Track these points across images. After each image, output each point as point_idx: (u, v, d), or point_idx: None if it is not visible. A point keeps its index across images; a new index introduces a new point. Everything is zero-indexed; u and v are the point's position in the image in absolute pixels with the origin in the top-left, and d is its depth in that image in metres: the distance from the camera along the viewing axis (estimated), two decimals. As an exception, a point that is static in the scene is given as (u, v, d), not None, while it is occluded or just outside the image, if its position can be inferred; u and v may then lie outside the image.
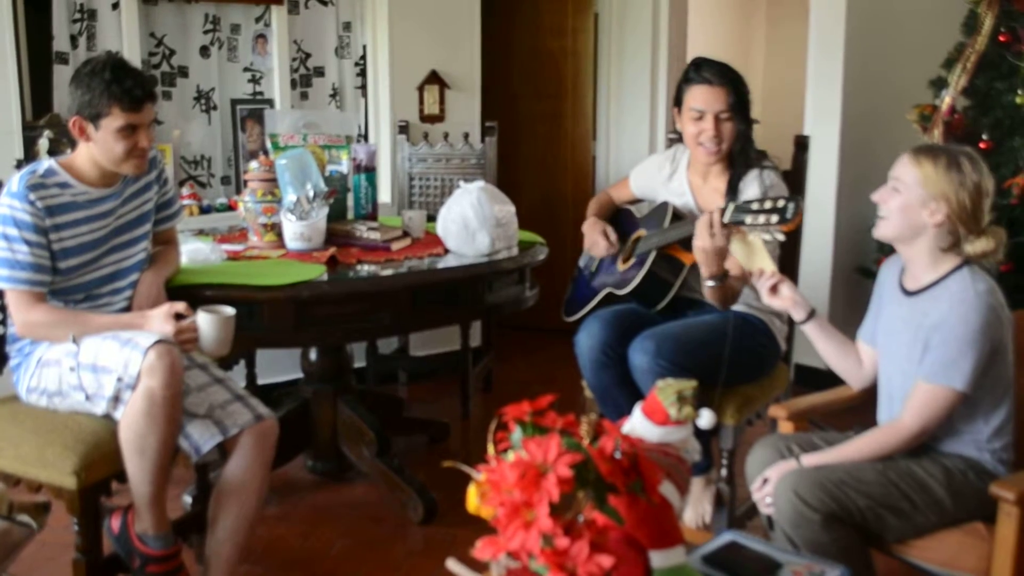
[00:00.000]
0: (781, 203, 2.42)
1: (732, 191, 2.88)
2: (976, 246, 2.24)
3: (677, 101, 2.97)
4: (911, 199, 2.25)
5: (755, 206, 2.47)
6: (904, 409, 2.27)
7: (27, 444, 2.48)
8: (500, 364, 4.98)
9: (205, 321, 2.50)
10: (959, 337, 2.18)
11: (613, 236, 3.17)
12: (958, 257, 2.27)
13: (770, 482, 2.30)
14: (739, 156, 2.89)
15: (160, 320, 2.50)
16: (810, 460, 2.31)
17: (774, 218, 2.41)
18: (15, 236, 2.46)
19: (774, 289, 2.48)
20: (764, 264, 2.48)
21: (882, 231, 2.34)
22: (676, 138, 3.43)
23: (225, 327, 2.52)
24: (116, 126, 2.51)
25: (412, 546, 3.22)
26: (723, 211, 2.55)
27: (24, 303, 2.50)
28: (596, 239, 3.19)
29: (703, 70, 2.88)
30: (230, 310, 2.55)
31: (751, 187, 2.85)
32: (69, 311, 2.58)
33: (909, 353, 2.29)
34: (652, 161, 3.24)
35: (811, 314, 2.50)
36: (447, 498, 3.38)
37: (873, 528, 2.22)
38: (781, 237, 2.47)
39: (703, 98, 2.86)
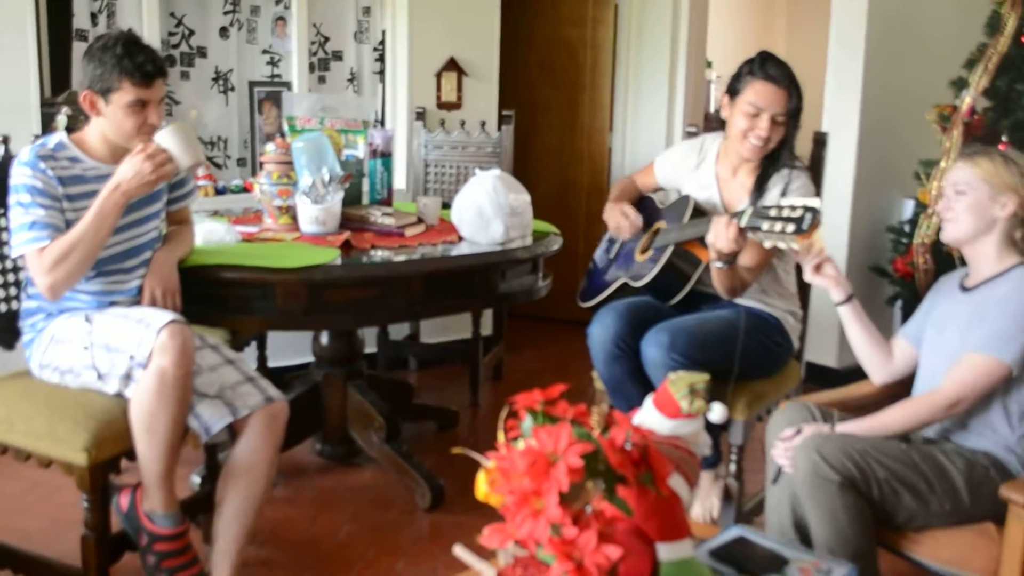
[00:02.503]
0: (799, 212, 2.39)
1: (759, 189, 2.86)
2: None
3: (732, 90, 2.87)
4: (980, 197, 2.34)
5: (772, 212, 2.45)
6: (946, 379, 2.29)
7: (39, 419, 2.49)
8: (510, 353, 4.98)
9: (165, 136, 2.51)
10: (1017, 312, 2.23)
11: (633, 213, 3.14)
12: (1020, 255, 2.35)
13: (800, 436, 2.32)
14: (773, 156, 2.87)
15: (128, 163, 2.47)
16: (844, 427, 2.35)
17: (790, 227, 2.39)
18: (29, 202, 2.46)
19: (818, 267, 2.53)
20: (815, 239, 2.46)
21: (952, 233, 2.40)
22: (694, 132, 3.42)
23: (185, 132, 2.53)
24: (126, 101, 2.51)
25: (419, 532, 3.23)
26: (740, 215, 2.54)
27: (35, 259, 2.47)
28: (619, 221, 3.15)
29: (770, 67, 2.79)
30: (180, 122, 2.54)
31: (778, 186, 2.83)
32: (64, 236, 2.48)
33: (963, 336, 2.32)
34: (678, 149, 3.19)
35: (849, 297, 2.56)
36: (454, 485, 3.38)
37: (888, 504, 2.23)
38: (796, 247, 2.44)
39: (765, 96, 2.78)
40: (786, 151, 2.87)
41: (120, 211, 2.50)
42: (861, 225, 4.63)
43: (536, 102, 5.72)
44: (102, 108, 2.54)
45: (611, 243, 3.28)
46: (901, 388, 2.58)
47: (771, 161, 2.87)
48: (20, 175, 2.49)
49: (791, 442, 2.34)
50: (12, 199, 2.49)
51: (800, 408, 2.48)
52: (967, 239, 2.38)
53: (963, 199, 2.35)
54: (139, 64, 2.49)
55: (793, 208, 2.41)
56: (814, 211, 2.38)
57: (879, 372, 2.60)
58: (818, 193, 3.01)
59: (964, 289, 2.42)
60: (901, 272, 4.41)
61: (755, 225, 2.48)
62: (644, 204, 3.24)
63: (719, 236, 2.58)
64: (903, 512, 2.24)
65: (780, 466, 2.39)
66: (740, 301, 2.91)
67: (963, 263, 2.49)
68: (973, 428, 2.33)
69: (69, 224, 2.51)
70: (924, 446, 2.32)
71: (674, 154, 3.19)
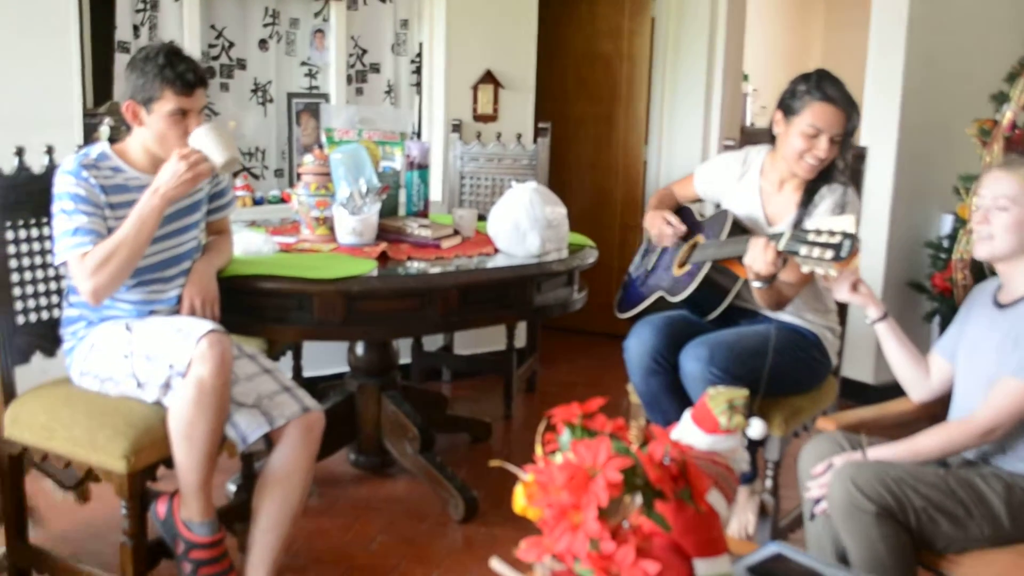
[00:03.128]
0: (837, 239, 2.36)
1: (806, 203, 2.83)
2: None
3: (788, 108, 2.82)
4: (1021, 214, 2.25)
5: (811, 237, 2.41)
6: (981, 405, 2.24)
7: (79, 427, 2.51)
8: (544, 365, 4.97)
9: (198, 137, 2.54)
10: None
11: (675, 219, 3.11)
12: None
13: (833, 469, 2.28)
14: (822, 172, 2.83)
15: (165, 167, 2.52)
16: (877, 453, 2.31)
17: (828, 253, 2.36)
18: (73, 209, 2.50)
19: (854, 286, 2.50)
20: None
21: (991, 251, 2.31)
22: (731, 145, 3.40)
23: (216, 130, 2.57)
24: (167, 110, 2.54)
25: (452, 543, 3.23)
26: (778, 238, 2.52)
27: (76, 264, 2.50)
28: (662, 229, 3.11)
29: (828, 87, 2.74)
30: (212, 123, 2.62)
31: (826, 200, 2.80)
32: (106, 241, 2.52)
33: (998, 358, 2.26)
34: (720, 161, 3.16)
35: (885, 315, 2.52)
36: (488, 497, 3.38)
37: (925, 532, 2.19)
38: (834, 273, 2.40)
39: (824, 117, 2.73)
40: (836, 168, 2.84)
41: (160, 215, 2.53)
42: (899, 240, 4.59)
43: (572, 115, 5.73)
44: (144, 118, 2.58)
45: (647, 254, 3.27)
46: (938, 407, 2.54)
47: (820, 176, 2.84)
48: (64, 183, 2.52)
49: (824, 477, 2.30)
50: (56, 207, 2.53)
51: (828, 441, 2.43)
52: (1005, 256, 2.31)
53: (1004, 215, 2.26)
54: (180, 73, 2.53)
55: (832, 234, 2.38)
56: (853, 238, 2.34)
57: (917, 390, 2.56)
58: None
59: (999, 305, 2.36)
60: (939, 288, 4.36)
61: (793, 249, 2.45)
62: (682, 215, 3.22)
63: (756, 259, 2.57)
64: (942, 539, 2.20)
65: (815, 503, 2.35)
66: (778, 316, 2.89)
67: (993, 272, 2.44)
68: (1012, 451, 2.28)
69: (111, 232, 2.54)
70: (961, 470, 2.27)
71: (716, 165, 3.16)
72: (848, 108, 2.75)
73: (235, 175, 4.32)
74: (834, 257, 2.35)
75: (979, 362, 2.34)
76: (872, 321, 2.54)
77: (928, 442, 2.28)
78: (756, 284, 2.65)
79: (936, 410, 2.55)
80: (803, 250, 2.42)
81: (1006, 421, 2.21)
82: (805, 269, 2.44)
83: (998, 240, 2.29)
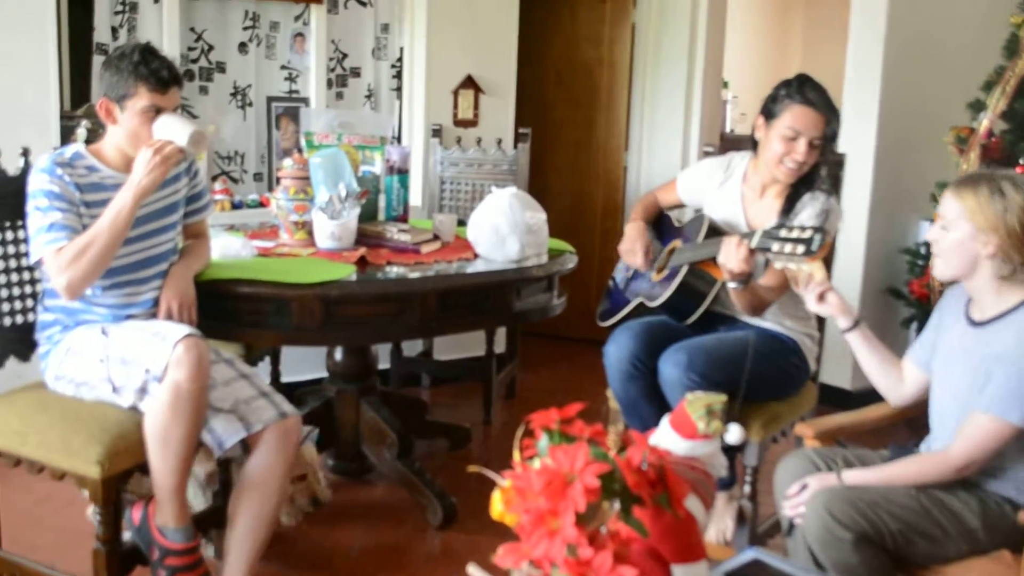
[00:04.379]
0: (808, 233, 2.38)
1: (787, 211, 2.85)
2: None
3: (769, 112, 2.84)
4: (961, 235, 2.22)
5: (783, 233, 2.44)
6: (955, 439, 2.22)
7: (53, 432, 2.49)
8: (524, 371, 4.97)
9: (160, 126, 2.54)
10: (1022, 371, 2.13)
11: (648, 255, 3.12)
12: (1022, 288, 2.23)
13: (807, 491, 2.27)
14: (805, 179, 2.84)
15: (140, 158, 2.50)
16: (851, 478, 2.28)
17: (800, 248, 2.38)
18: (47, 206, 2.48)
19: (821, 296, 2.47)
20: (814, 270, 2.44)
21: (940, 270, 2.31)
22: (711, 151, 3.41)
23: (174, 116, 2.58)
24: (141, 106, 2.53)
25: (430, 550, 3.22)
26: (750, 236, 2.53)
27: (51, 260, 2.47)
28: (636, 250, 3.12)
29: (808, 91, 2.76)
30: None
31: (808, 209, 2.81)
32: (83, 235, 2.49)
33: (970, 382, 2.24)
34: (703, 166, 3.16)
35: (856, 323, 2.49)
36: (466, 503, 3.37)
37: (902, 553, 2.19)
38: (806, 268, 2.42)
39: (803, 120, 2.75)
40: (818, 176, 2.85)
41: (134, 208, 2.50)
42: (877, 246, 4.62)
43: (552, 120, 5.73)
44: (117, 115, 2.56)
45: (627, 267, 3.27)
46: (914, 411, 2.55)
47: (802, 183, 2.85)
48: (38, 181, 2.50)
49: (799, 498, 2.29)
50: (30, 205, 2.51)
51: (801, 459, 2.42)
52: (954, 277, 2.30)
53: (947, 236, 2.25)
54: (155, 70, 2.53)
55: (803, 229, 2.40)
56: (823, 232, 2.37)
57: (892, 395, 2.55)
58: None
59: (972, 322, 2.32)
60: (917, 294, 4.39)
61: (765, 246, 2.47)
62: (661, 222, 3.24)
63: (729, 257, 2.58)
64: (920, 558, 2.20)
65: (791, 519, 2.34)
66: (757, 323, 2.90)
67: None
68: (987, 472, 2.26)
69: (86, 229, 2.52)
70: (937, 491, 2.23)
71: (698, 171, 3.17)
72: (827, 112, 2.76)
73: (214, 178, 4.30)
74: (805, 252, 2.37)
75: (952, 380, 2.33)
76: (843, 330, 2.51)
77: (901, 472, 2.26)
78: (732, 285, 2.67)
79: (912, 414, 2.56)
80: (775, 247, 2.44)
81: (981, 457, 2.18)
82: (778, 265, 2.46)
83: (942, 260, 2.29)
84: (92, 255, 2.46)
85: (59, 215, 2.47)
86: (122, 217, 2.49)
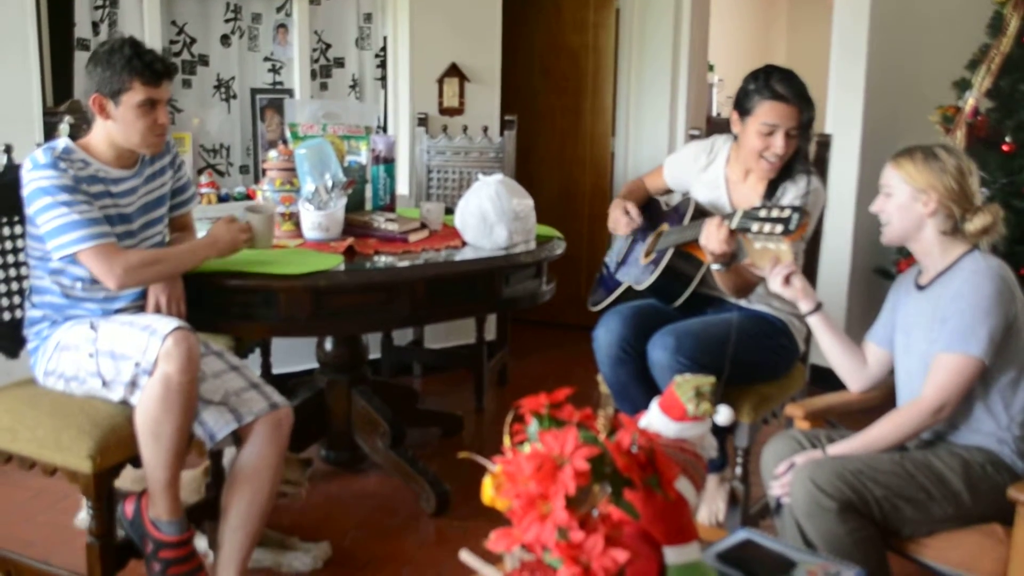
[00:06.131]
0: (786, 213, 2.42)
1: (771, 195, 2.85)
2: (975, 223, 2.34)
3: (742, 108, 2.84)
4: (903, 198, 2.38)
5: (762, 213, 2.47)
6: (924, 385, 2.29)
7: (43, 427, 2.49)
8: (515, 358, 4.97)
9: (259, 221, 2.82)
10: (973, 305, 2.25)
11: (634, 211, 3.13)
12: (964, 243, 2.36)
13: (793, 469, 2.31)
14: (786, 164, 2.85)
15: (224, 225, 2.74)
16: (835, 449, 2.35)
17: (778, 227, 2.42)
18: (70, 199, 2.46)
19: (786, 280, 2.52)
20: (781, 253, 2.48)
21: (888, 235, 2.45)
22: (697, 135, 3.42)
23: (271, 223, 2.90)
24: (137, 100, 2.52)
25: (424, 537, 3.23)
26: (731, 217, 2.55)
27: (112, 254, 2.49)
28: (617, 216, 3.15)
29: (776, 84, 2.76)
30: (271, 207, 3.04)
31: (789, 193, 2.83)
32: (149, 250, 2.64)
33: (929, 337, 2.33)
34: (688, 150, 3.17)
35: (818, 307, 2.55)
36: (460, 490, 3.38)
37: (890, 520, 2.22)
38: (784, 247, 2.45)
39: (776, 114, 2.76)
40: (799, 159, 2.87)
41: (203, 261, 2.70)
42: (864, 227, 4.62)
43: (538, 107, 5.72)
44: (111, 111, 2.55)
45: (620, 247, 3.28)
46: (892, 392, 2.57)
47: (784, 168, 2.86)
48: (45, 178, 2.47)
49: (786, 477, 2.34)
50: (44, 200, 2.46)
51: (787, 440, 2.48)
52: (901, 239, 2.42)
53: (890, 200, 2.40)
54: (148, 63, 2.52)
55: (782, 209, 2.44)
56: (801, 211, 2.41)
57: (854, 379, 2.60)
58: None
59: (919, 288, 2.44)
60: (905, 274, 4.39)
61: (745, 227, 2.50)
62: (650, 207, 3.24)
63: (710, 238, 2.60)
64: (907, 524, 2.24)
65: (778, 498, 2.39)
66: (747, 304, 2.91)
67: None
68: (962, 425, 2.34)
69: None
70: (917, 453, 2.31)
71: (684, 155, 3.18)
72: (799, 102, 2.77)
73: (200, 172, 4.29)
74: (783, 231, 2.41)
75: (913, 346, 2.41)
76: (805, 314, 2.57)
77: (882, 431, 2.33)
78: (715, 267, 2.69)
79: (892, 395, 2.58)
80: (755, 227, 2.47)
81: (952, 396, 2.26)
82: (757, 245, 2.49)
83: (888, 226, 2.43)
84: (153, 272, 2.60)
85: (85, 207, 2.47)
86: (193, 260, 2.67)
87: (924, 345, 2.34)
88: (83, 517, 3.10)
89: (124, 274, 2.50)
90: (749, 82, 2.83)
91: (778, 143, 2.78)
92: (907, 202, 2.37)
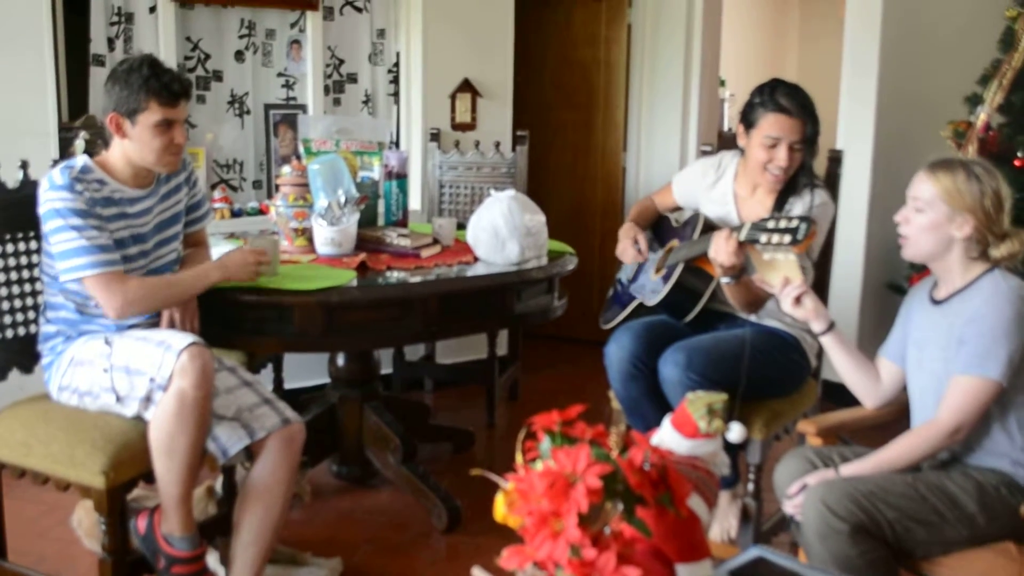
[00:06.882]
0: (794, 223, 2.42)
1: (779, 207, 2.86)
2: (1002, 250, 2.27)
3: (747, 121, 2.86)
4: (937, 216, 2.28)
5: (770, 224, 2.48)
6: (940, 407, 2.25)
7: (57, 443, 2.50)
8: (526, 373, 4.97)
9: (269, 245, 2.83)
10: (993, 327, 2.19)
11: (643, 244, 3.15)
12: (986, 263, 2.30)
13: (806, 490, 2.29)
14: (792, 178, 2.86)
15: (239, 253, 2.73)
16: (848, 470, 2.31)
17: (786, 238, 2.42)
18: (80, 224, 2.47)
19: (797, 300, 2.49)
20: (790, 274, 2.47)
21: (911, 253, 2.37)
22: (708, 150, 3.42)
23: (275, 248, 2.89)
24: (153, 121, 2.54)
25: (436, 553, 3.22)
26: (739, 229, 2.55)
27: (115, 284, 2.50)
28: (626, 246, 3.17)
29: (781, 97, 2.78)
30: (271, 238, 2.99)
31: (798, 206, 2.83)
32: (154, 279, 2.64)
33: (945, 356, 2.28)
34: (696, 167, 3.18)
35: (831, 326, 2.52)
36: (471, 506, 3.37)
37: (902, 542, 2.19)
38: (793, 257, 2.45)
39: (780, 127, 2.78)
40: (804, 172, 2.87)
41: (212, 286, 2.67)
42: (877, 241, 4.61)
43: (550, 122, 5.73)
44: (128, 130, 2.56)
45: (632, 265, 3.28)
46: (906, 408, 2.55)
47: (790, 182, 2.86)
48: (60, 199, 2.48)
49: (798, 498, 2.31)
50: (57, 223, 2.48)
51: (799, 459, 2.45)
52: (926, 259, 2.35)
53: (921, 217, 2.30)
54: (166, 84, 2.53)
55: (790, 219, 2.44)
56: (809, 221, 2.41)
57: (869, 396, 2.57)
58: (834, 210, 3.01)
59: (935, 302, 2.38)
60: (918, 289, 4.38)
61: (753, 238, 2.50)
62: (660, 224, 3.25)
63: (719, 250, 2.60)
64: (920, 546, 2.21)
65: (793, 516, 2.36)
66: (758, 320, 2.91)
67: None
68: (977, 447, 2.30)
69: None
70: (931, 474, 2.27)
71: (692, 172, 3.19)
72: (803, 115, 2.78)
73: (213, 187, 4.31)
74: (792, 241, 2.41)
75: (926, 360, 2.37)
76: (818, 334, 2.53)
77: (896, 453, 2.29)
78: (724, 280, 2.69)
79: (905, 411, 2.56)
80: (763, 238, 2.47)
81: (969, 418, 2.22)
82: (766, 256, 2.49)
83: (912, 241, 2.34)
84: (159, 300, 2.61)
85: (95, 233, 2.48)
86: (201, 285, 2.65)
87: (939, 364, 2.30)
88: (78, 517, 3.10)
89: (124, 305, 2.51)
90: (755, 95, 2.85)
91: (781, 156, 2.78)
92: (941, 222, 2.27)
